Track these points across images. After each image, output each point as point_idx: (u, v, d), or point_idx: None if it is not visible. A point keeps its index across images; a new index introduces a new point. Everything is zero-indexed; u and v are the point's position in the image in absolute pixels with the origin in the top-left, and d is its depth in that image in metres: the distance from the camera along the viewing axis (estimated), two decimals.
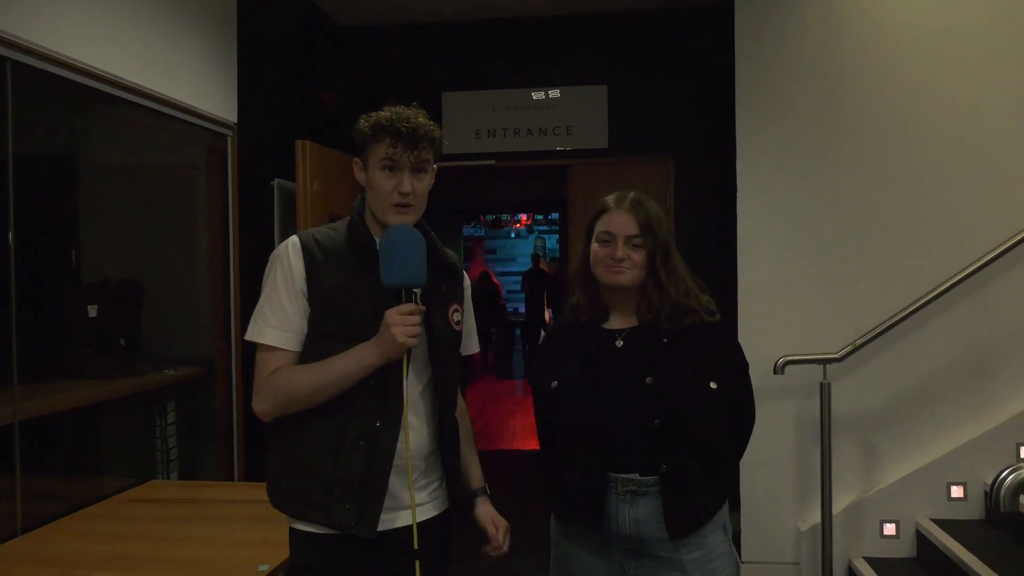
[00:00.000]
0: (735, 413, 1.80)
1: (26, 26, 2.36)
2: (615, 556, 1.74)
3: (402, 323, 1.51)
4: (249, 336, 1.63)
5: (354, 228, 1.67)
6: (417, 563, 1.55)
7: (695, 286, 1.79)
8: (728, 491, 1.81)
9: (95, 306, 3.11)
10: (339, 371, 1.56)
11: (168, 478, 3.35)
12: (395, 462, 1.59)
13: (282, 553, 1.95)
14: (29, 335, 2.53)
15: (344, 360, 1.56)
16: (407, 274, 1.53)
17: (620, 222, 1.74)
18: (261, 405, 1.61)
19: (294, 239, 1.65)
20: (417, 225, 1.70)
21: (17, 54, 2.36)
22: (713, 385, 1.71)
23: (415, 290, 1.58)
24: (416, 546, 1.55)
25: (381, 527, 1.59)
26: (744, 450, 1.89)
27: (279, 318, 1.61)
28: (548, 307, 11.28)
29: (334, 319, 1.61)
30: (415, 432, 1.64)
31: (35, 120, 2.85)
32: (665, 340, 1.73)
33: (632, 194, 1.79)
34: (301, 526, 1.63)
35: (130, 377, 3.21)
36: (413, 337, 1.52)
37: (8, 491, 2.37)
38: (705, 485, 1.74)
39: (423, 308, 1.57)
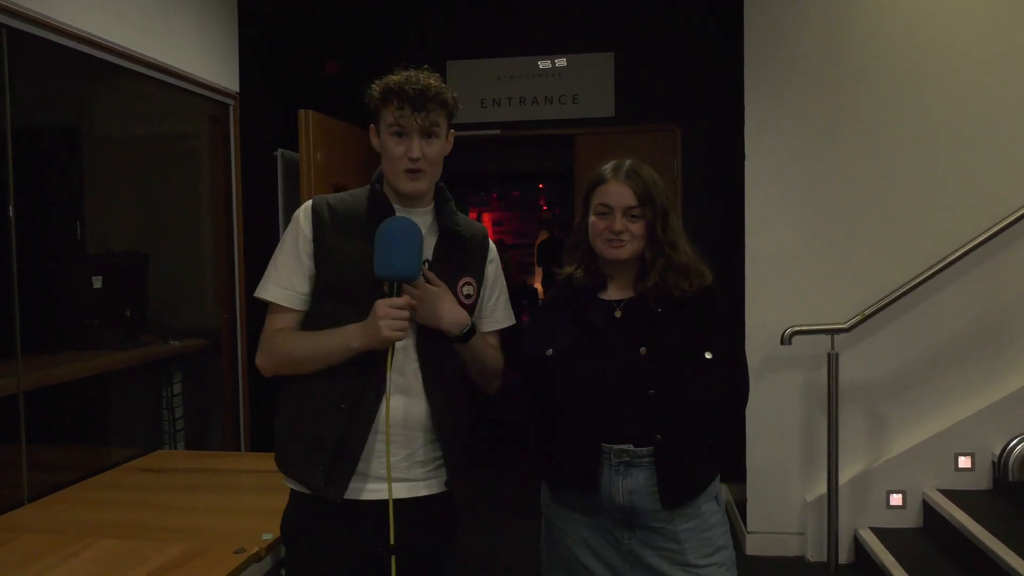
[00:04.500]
0: (729, 383, 1.78)
1: None
2: (608, 526, 1.73)
3: (391, 316, 1.50)
4: (256, 292, 1.68)
5: (374, 196, 1.66)
6: (393, 558, 1.55)
7: (692, 249, 1.76)
8: (722, 462, 1.79)
9: (100, 277, 3.11)
10: (325, 347, 1.58)
11: (175, 448, 3.37)
12: (379, 430, 1.58)
13: None
14: (34, 306, 2.53)
15: (331, 338, 1.57)
16: (399, 268, 1.52)
17: (617, 193, 1.72)
18: (261, 360, 1.67)
19: (308, 202, 1.68)
20: (438, 190, 1.68)
21: (13, 20, 2.33)
22: (708, 355, 1.69)
23: (408, 284, 1.56)
24: (392, 532, 1.54)
25: (356, 495, 1.59)
26: (736, 421, 1.86)
27: (281, 276, 1.64)
28: None
29: (331, 279, 1.62)
30: (413, 401, 1.62)
31: (34, 90, 2.83)
32: (660, 310, 1.71)
33: (628, 163, 1.76)
34: (292, 485, 1.67)
35: (136, 348, 3.22)
36: (400, 331, 1.51)
37: (14, 461, 2.39)
38: (699, 456, 1.72)
39: (415, 303, 1.55)
